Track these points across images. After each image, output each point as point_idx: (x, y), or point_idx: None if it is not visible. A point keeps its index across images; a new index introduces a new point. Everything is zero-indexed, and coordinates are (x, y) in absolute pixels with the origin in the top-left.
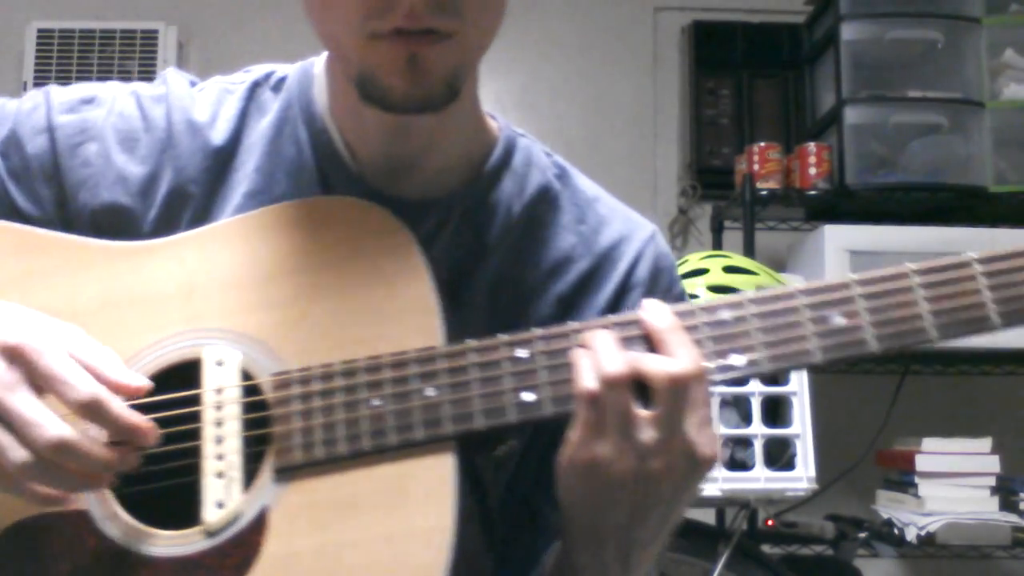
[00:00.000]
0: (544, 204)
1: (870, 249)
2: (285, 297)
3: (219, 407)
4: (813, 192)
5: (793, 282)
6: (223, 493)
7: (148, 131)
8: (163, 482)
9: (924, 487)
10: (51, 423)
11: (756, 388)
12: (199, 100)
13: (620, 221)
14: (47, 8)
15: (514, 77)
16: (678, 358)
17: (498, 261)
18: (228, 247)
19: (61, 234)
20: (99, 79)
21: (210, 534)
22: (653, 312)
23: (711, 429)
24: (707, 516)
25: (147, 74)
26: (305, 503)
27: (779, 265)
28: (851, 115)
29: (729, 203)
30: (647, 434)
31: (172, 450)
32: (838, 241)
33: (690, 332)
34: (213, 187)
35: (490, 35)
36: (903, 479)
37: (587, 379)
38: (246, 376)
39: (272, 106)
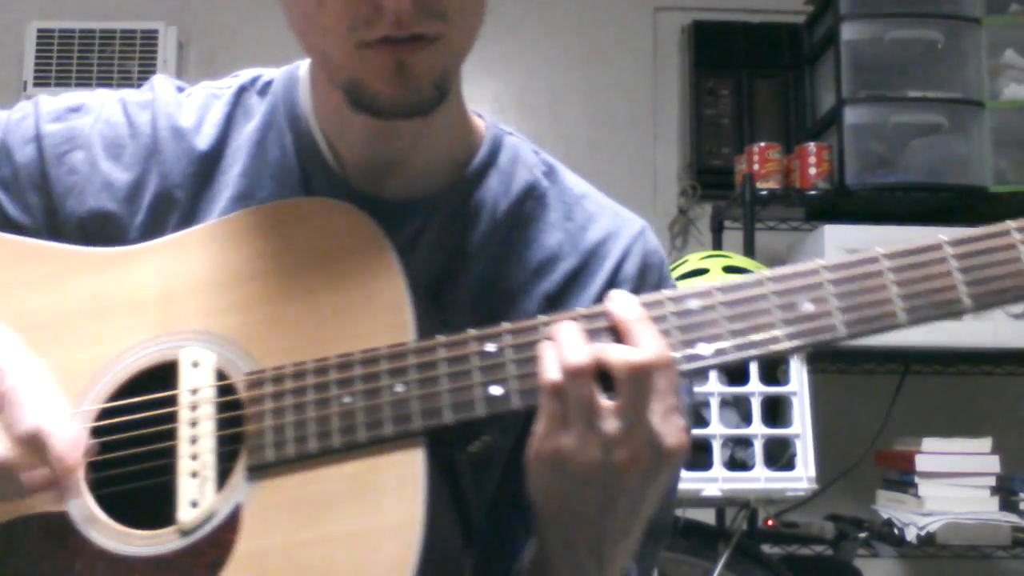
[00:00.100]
0: (531, 202)
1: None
2: (260, 298)
3: (194, 407)
4: (813, 192)
5: None
6: (197, 492)
7: (134, 137)
8: (141, 482)
9: (924, 487)
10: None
11: (756, 388)
12: (185, 105)
13: (608, 218)
14: (47, 8)
15: (514, 77)
16: (641, 347)
17: (484, 260)
18: (205, 251)
19: (45, 242)
20: (99, 79)
21: (184, 533)
22: (619, 303)
23: (678, 419)
24: (707, 516)
25: (147, 74)
26: (277, 501)
27: (779, 265)
28: (851, 115)
29: (729, 203)
30: (610, 424)
31: (149, 451)
32: (838, 241)
33: (657, 322)
34: (199, 192)
35: (473, 35)
36: (903, 479)
37: (551, 370)
38: (221, 377)
39: (258, 110)
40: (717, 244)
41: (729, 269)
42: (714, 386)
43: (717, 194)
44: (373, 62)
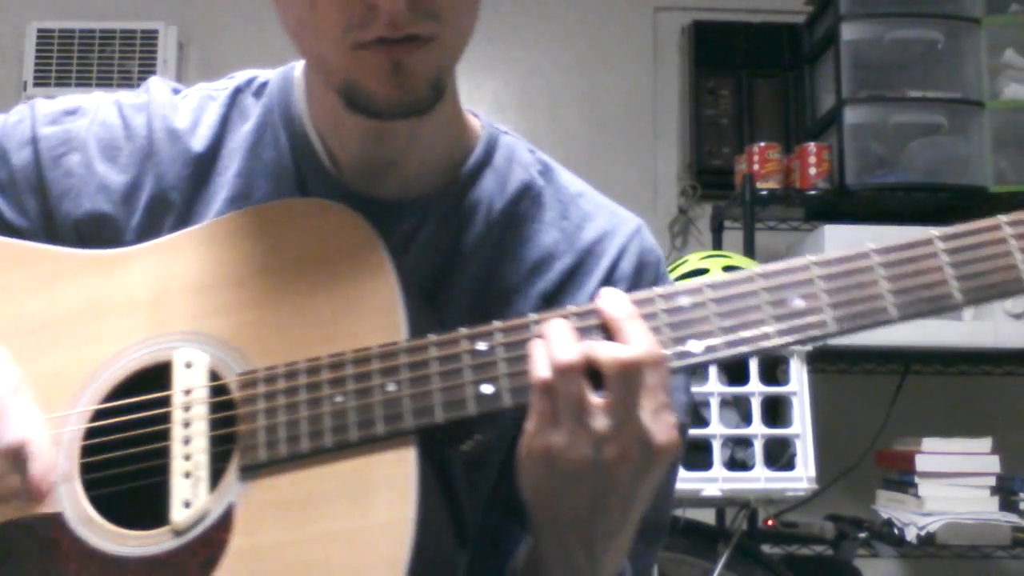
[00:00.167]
0: (526, 201)
1: None
2: (253, 299)
3: (187, 408)
4: (813, 192)
5: None
6: (190, 492)
7: (129, 139)
8: (135, 483)
9: (924, 487)
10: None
11: (756, 388)
12: (181, 107)
13: (604, 216)
14: (47, 8)
15: (514, 77)
16: (631, 344)
17: (479, 260)
18: (198, 252)
19: (39, 245)
20: (99, 79)
21: (178, 533)
22: (610, 301)
23: (668, 416)
24: (707, 516)
25: (147, 74)
26: (269, 500)
27: None
28: (851, 115)
29: (729, 203)
30: (600, 421)
31: (143, 451)
32: (838, 241)
33: (648, 320)
34: (194, 193)
35: (468, 34)
36: (903, 479)
37: (540, 368)
38: (214, 377)
39: (253, 111)
40: (717, 244)
41: (729, 269)
42: (714, 386)
43: (717, 194)
44: (369, 63)
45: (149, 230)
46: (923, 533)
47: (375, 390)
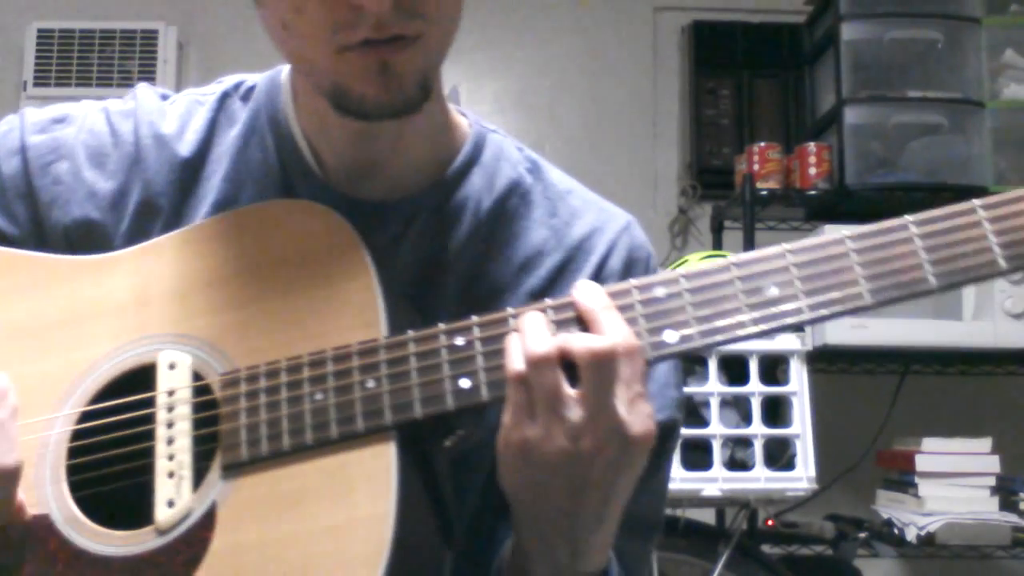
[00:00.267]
0: (515, 199)
1: None
2: (235, 300)
3: (170, 409)
4: (813, 192)
5: None
6: (174, 492)
7: (117, 146)
8: (120, 483)
9: (924, 487)
10: None
11: (756, 388)
12: (168, 113)
13: (593, 213)
14: (47, 8)
15: (514, 77)
16: (605, 335)
17: (468, 258)
18: (181, 255)
19: (29, 252)
20: (99, 79)
21: (161, 532)
22: (585, 293)
23: (645, 407)
24: (707, 516)
25: (147, 74)
26: (251, 498)
27: None
28: (851, 115)
29: (729, 203)
30: (575, 412)
31: (128, 452)
32: None
33: (624, 311)
34: (182, 198)
35: (452, 33)
36: (903, 479)
37: (515, 360)
38: (197, 378)
39: (241, 116)
40: (717, 244)
41: None
42: (714, 386)
43: (717, 194)
44: (356, 65)
45: (138, 236)
46: (923, 533)
47: (355, 387)
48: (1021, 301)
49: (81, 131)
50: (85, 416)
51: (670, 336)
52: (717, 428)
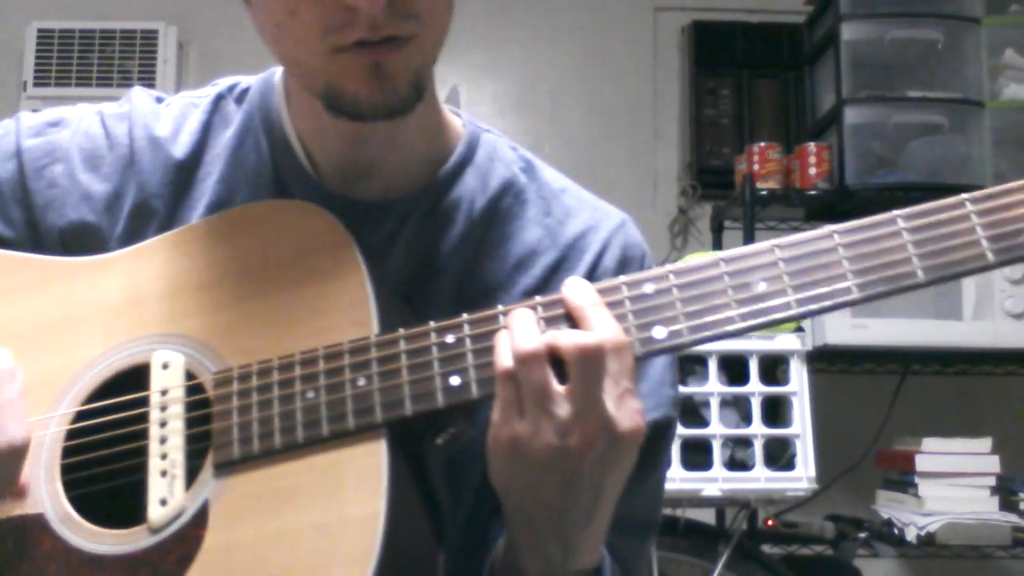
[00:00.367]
0: (509, 198)
1: None
2: (227, 299)
3: (163, 408)
4: (813, 192)
5: None
6: (166, 491)
7: (112, 149)
8: (113, 482)
9: (924, 487)
10: None
11: (756, 388)
12: (163, 115)
13: (587, 211)
14: (47, 8)
15: (514, 77)
16: (593, 331)
17: (462, 258)
18: (174, 255)
19: (24, 254)
20: (99, 79)
21: (154, 531)
22: (574, 290)
23: (633, 403)
24: (707, 516)
25: (147, 74)
26: (243, 496)
27: None
28: (851, 115)
29: (729, 203)
30: (563, 408)
31: (121, 451)
32: None
33: (613, 307)
34: (177, 200)
35: (445, 32)
36: (903, 479)
37: (504, 357)
38: (190, 377)
39: (235, 117)
40: (717, 244)
41: None
42: (714, 386)
43: (717, 194)
44: (349, 66)
45: (133, 238)
46: (923, 533)
47: (346, 385)
48: (1021, 301)
49: (76, 134)
50: (80, 416)
51: (659, 332)
52: (717, 428)
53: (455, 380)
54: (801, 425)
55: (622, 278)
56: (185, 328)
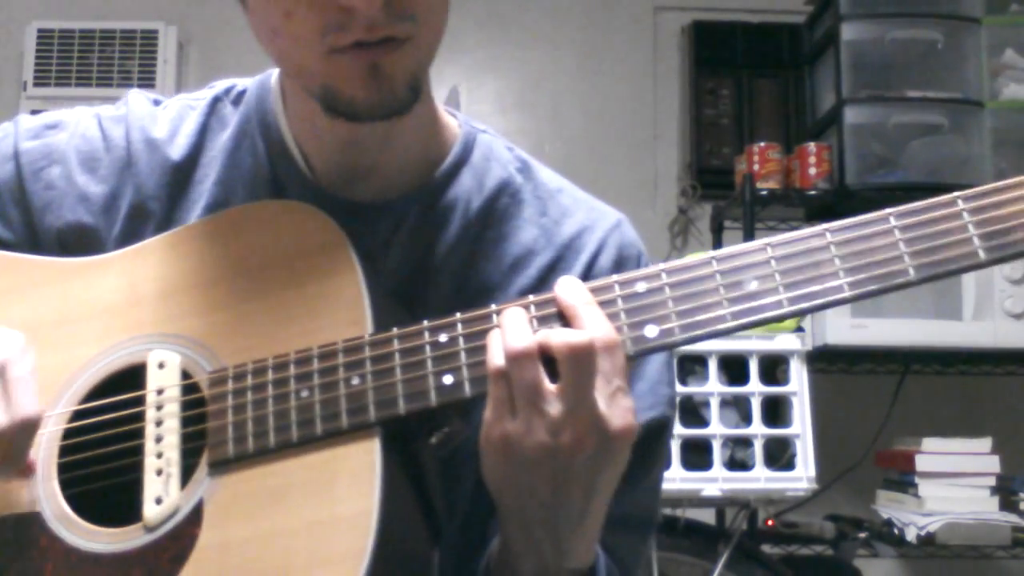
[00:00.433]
0: (505, 198)
1: None
2: (223, 299)
3: (159, 407)
4: (813, 192)
5: None
6: (162, 489)
7: (109, 151)
8: (110, 481)
9: (924, 487)
10: None
11: (756, 388)
12: (160, 118)
13: (583, 211)
14: (47, 8)
15: (515, 77)
16: (583, 330)
17: (458, 258)
18: (171, 256)
19: (22, 255)
20: (99, 79)
21: (149, 529)
22: (566, 288)
23: (624, 401)
24: (707, 516)
25: (147, 74)
26: (237, 494)
27: None
28: (851, 115)
29: (729, 203)
30: (554, 407)
31: (117, 450)
32: None
33: (605, 306)
34: (174, 202)
35: (441, 33)
36: (903, 479)
37: (496, 356)
38: (186, 377)
39: (232, 119)
40: (717, 244)
41: None
42: (714, 386)
43: (717, 194)
44: (346, 67)
45: (130, 239)
46: (923, 533)
47: (340, 384)
48: (1021, 301)
49: (73, 136)
50: (76, 415)
51: (650, 331)
52: (717, 428)
53: (448, 379)
54: (801, 425)
55: (615, 277)
56: (181, 328)
